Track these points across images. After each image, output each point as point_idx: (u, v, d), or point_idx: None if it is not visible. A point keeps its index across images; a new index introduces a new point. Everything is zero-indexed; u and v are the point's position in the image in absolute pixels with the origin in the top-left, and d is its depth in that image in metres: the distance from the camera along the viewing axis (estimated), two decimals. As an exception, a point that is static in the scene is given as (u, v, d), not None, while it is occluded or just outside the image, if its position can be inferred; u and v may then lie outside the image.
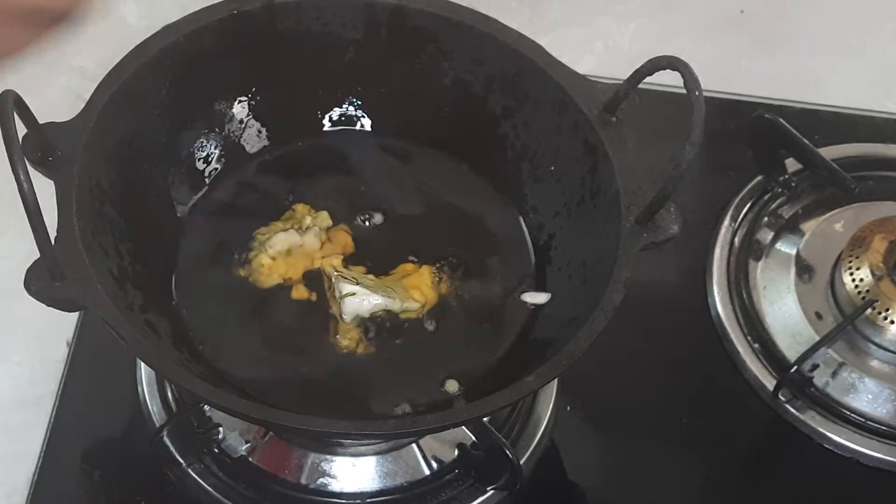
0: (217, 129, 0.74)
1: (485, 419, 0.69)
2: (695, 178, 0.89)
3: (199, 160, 0.74)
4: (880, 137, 0.94)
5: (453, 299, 0.71)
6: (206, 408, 0.72)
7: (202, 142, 0.74)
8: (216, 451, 0.73)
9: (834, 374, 0.80)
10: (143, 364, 0.76)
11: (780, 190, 0.89)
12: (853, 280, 0.80)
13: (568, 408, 0.79)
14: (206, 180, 0.74)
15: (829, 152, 0.88)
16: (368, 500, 0.73)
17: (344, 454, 0.73)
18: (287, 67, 0.74)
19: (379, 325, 0.69)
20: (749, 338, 0.82)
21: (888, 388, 0.79)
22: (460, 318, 0.71)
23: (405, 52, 0.73)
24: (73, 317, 0.80)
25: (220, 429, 0.73)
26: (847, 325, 0.79)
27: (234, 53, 0.71)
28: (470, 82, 0.74)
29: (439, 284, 0.71)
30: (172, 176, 0.72)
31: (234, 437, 0.73)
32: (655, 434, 0.79)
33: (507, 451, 0.69)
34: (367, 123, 0.77)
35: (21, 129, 0.55)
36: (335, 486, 0.73)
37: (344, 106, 0.77)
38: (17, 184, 0.53)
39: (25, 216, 0.53)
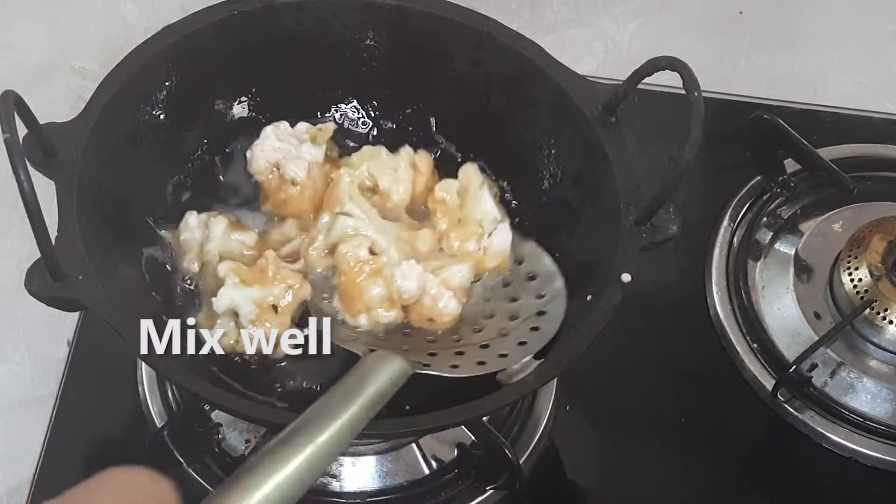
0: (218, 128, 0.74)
1: (484, 419, 0.69)
2: (694, 179, 0.89)
3: (198, 160, 0.74)
4: (879, 138, 0.94)
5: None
6: (207, 407, 0.72)
7: (203, 141, 0.74)
8: (216, 450, 0.73)
9: (832, 374, 0.80)
10: (143, 364, 0.76)
11: (778, 190, 0.89)
12: (852, 280, 0.80)
13: (567, 407, 0.79)
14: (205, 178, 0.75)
15: (827, 153, 0.88)
16: (368, 500, 0.73)
17: (344, 453, 0.73)
18: (287, 67, 0.74)
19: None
20: (748, 338, 0.82)
21: (887, 388, 0.79)
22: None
23: (405, 52, 0.74)
24: (74, 317, 0.80)
25: (221, 428, 0.73)
26: (846, 325, 0.79)
27: (234, 53, 0.71)
28: (470, 83, 0.74)
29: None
30: (173, 175, 0.73)
31: (235, 436, 0.74)
32: (654, 433, 0.79)
33: (507, 451, 0.69)
34: (367, 122, 0.77)
35: (22, 130, 0.56)
36: (335, 485, 0.73)
37: (344, 105, 0.77)
38: (18, 184, 0.53)
39: (26, 216, 0.53)
